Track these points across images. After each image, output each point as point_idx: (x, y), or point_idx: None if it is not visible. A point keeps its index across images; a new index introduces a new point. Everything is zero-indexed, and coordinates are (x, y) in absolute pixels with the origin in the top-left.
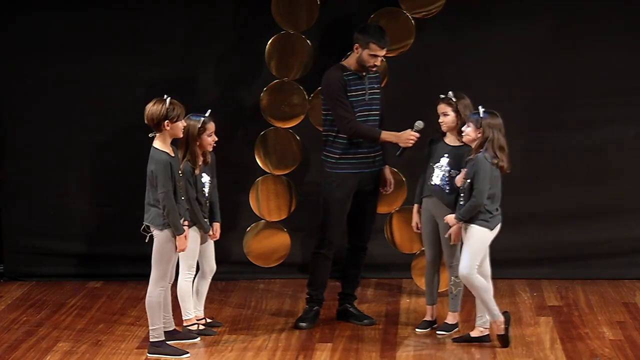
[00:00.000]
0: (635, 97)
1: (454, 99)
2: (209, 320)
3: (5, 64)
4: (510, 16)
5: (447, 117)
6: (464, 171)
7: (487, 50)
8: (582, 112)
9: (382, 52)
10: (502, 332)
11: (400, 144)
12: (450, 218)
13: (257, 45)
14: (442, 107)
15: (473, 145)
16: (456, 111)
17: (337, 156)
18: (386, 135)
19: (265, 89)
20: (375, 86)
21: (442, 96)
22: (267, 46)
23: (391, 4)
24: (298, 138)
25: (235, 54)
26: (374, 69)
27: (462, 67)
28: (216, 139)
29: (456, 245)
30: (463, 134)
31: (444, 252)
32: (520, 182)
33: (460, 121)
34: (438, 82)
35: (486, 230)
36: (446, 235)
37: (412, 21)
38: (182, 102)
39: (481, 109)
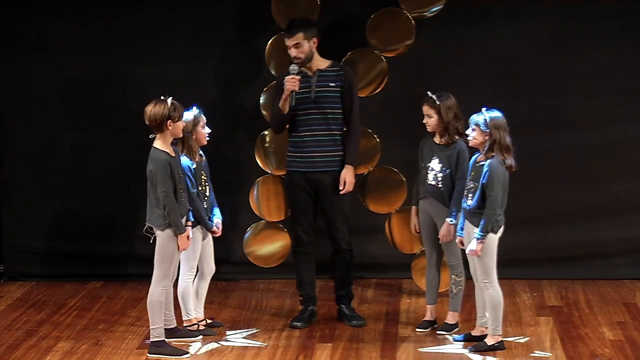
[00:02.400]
0: (635, 97)
1: (437, 102)
2: (209, 321)
3: (5, 64)
4: (510, 16)
5: (430, 119)
6: (477, 243)
7: (487, 50)
8: (582, 112)
9: (289, 42)
10: (488, 344)
11: (287, 92)
12: (474, 245)
13: (257, 45)
14: (426, 109)
15: (480, 148)
16: (439, 113)
17: (289, 154)
18: (280, 101)
19: (265, 89)
20: (331, 84)
21: (429, 94)
22: (267, 46)
23: (391, 4)
24: None
25: (235, 54)
26: (298, 60)
27: (462, 67)
28: (209, 130)
29: (455, 244)
30: (469, 138)
31: (444, 252)
32: (521, 182)
33: (443, 123)
34: (438, 82)
35: (494, 236)
36: (441, 240)
37: (412, 21)
38: (182, 102)
39: (485, 111)
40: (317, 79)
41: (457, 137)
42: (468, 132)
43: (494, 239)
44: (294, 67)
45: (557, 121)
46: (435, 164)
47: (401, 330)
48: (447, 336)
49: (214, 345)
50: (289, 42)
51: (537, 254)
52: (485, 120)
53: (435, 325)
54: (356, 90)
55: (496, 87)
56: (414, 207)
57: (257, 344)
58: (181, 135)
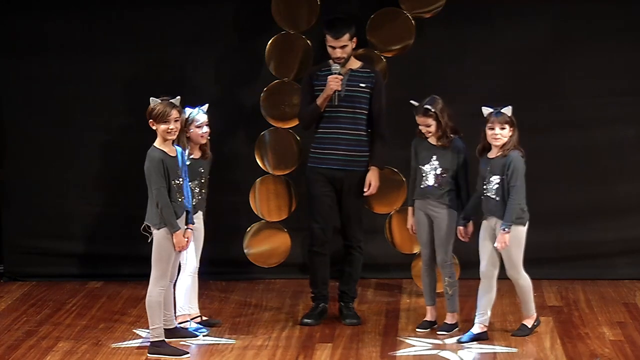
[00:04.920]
0: (635, 97)
1: (433, 110)
2: (204, 319)
3: (5, 64)
4: (510, 16)
5: (429, 127)
6: (503, 234)
7: (487, 50)
8: (582, 112)
9: (336, 43)
10: (529, 326)
11: (329, 92)
12: (502, 237)
13: (257, 45)
14: (423, 120)
15: (503, 145)
16: (436, 120)
17: (313, 150)
18: (319, 98)
19: (265, 89)
20: (361, 85)
21: (415, 104)
22: (267, 46)
23: (391, 4)
24: (298, 138)
25: (235, 54)
26: (340, 60)
27: (462, 67)
28: (207, 131)
29: (450, 244)
30: (497, 138)
31: (437, 252)
32: None
33: (442, 128)
34: (438, 82)
35: (522, 228)
36: (499, 248)
37: (412, 21)
38: (182, 102)
39: (509, 108)
40: (348, 78)
41: (452, 135)
42: (497, 131)
43: (523, 231)
44: (336, 67)
45: (557, 121)
46: (434, 165)
47: (401, 331)
48: (448, 337)
49: (213, 345)
50: (336, 43)
51: (537, 254)
52: (510, 116)
53: (435, 326)
54: (385, 94)
55: (496, 87)
56: (410, 208)
57: (223, 340)
58: (169, 138)
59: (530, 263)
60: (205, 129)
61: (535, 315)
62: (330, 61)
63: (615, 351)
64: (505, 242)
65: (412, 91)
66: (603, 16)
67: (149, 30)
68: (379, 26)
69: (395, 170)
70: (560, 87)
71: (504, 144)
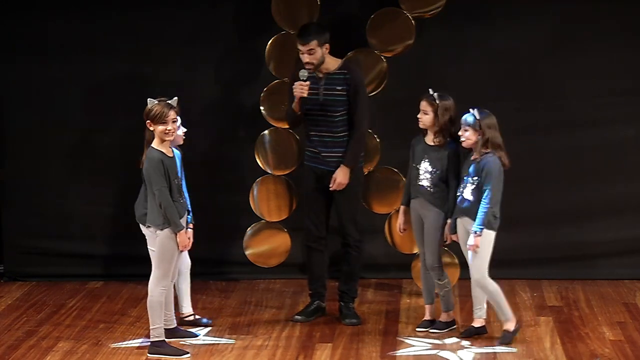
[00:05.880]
0: (635, 97)
1: (437, 101)
2: (197, 317)
3: (5, 64)
4: (510, 16)
5: (426, 115)
6: (475, 238)
7: (487, 50)
8: (582, 112)
9: (303, 48)
10: (510, 331)
11: (296, 98)
12: (472, 240)
13: (257, 45)
14: (424, 105)
15: (474, 147)
16: (435, 112)
17: (306, 148)
18: (293, 103)
19: (265, 89)
20: (338, 88)
21: (430, 92)
22: (267, 46)
23: (391, 4)
24: (298, 138)
25: (235, 54)
26: (310, 67)
27: (462, 67)
28: (184, 130)
29: (438, 247)
30: (462, 139)
31: (426, 254)
32: (520, 182)
33: (437, 124)
34: (438, 82)
35: (492, 232)
36: (470, 250)
37: (412, 21)
38: (181, 102)
39: (476, 111)
40: (325, 82)
41: (448, 138)
42: (460, 133)
43: (492, 235)
44: (303, 73)
45: (557, 121)
46: (426, 166)
47: (401, 330)
48: (444, 335)
49: (213, 345)
50: (303, 48)
51: (537, 254)
52: (477, 120)
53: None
54: (364, 92)
55: (496, 87)
56: (403, 207)
57: (223, 340)
58: (166, 139)
59: (530, 263)
60: (182, 128)
61: (513, 318)
62: (301, 73)
63: (615, 351)
64: (477, 245)
65: (412, 91)
66: (603, 16)
67: (149, 30)
68: (379, 26)
69: (395, 170)
70: (560, 87)
71: (473, 146)
